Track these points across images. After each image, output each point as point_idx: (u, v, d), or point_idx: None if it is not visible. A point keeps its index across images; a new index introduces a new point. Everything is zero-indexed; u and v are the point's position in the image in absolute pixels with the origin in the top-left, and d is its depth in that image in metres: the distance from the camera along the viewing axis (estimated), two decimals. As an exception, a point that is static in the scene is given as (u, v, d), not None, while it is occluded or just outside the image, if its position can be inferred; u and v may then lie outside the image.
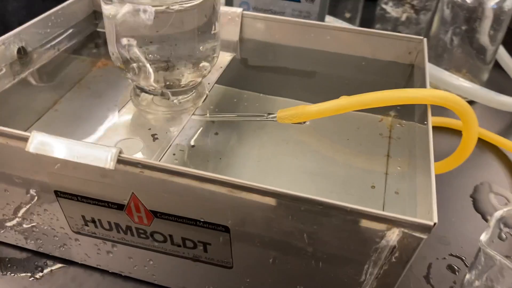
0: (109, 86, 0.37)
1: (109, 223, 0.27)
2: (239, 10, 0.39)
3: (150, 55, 0.29)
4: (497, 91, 0.50)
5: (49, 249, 0.31)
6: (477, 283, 0.26)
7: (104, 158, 0.22)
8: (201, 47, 0.30)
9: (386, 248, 0.22)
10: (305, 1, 0.47)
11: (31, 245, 0.32)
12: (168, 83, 0.30)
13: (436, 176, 0.40)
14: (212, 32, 0.30)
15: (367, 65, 0.38)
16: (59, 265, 0.32)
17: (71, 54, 0.38)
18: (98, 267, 0.31)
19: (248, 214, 0.23)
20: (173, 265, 0.28)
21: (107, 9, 0.28)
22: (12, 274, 0.31)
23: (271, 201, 0.22)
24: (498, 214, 0.25)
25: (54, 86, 0.36)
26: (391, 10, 0.59)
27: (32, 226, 0.30)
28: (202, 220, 0.24)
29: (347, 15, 0.63)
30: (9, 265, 0.32)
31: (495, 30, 0.49)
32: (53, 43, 0.37)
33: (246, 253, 0.26)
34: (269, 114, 0.31)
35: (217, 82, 0.36)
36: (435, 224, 0.20)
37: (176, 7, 0.28)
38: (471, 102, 0.47)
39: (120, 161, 0.23)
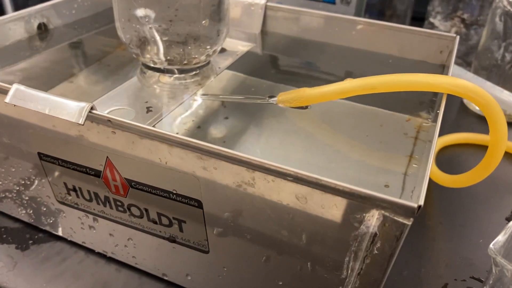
0: (128, 65, 0.36)
1: (89, 192, 0.26)
2: (262, 1, 0.38)
3: (154, 30, 0.29)
4: None
5: (39, 222, 0.31)
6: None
7: (75, 113, 0.21)
8: (204, 25, 0.28)
9: (367, 236, 0.19)
10: (341, 3, 0.45)
11: (24, 217, 0.31)
12: (169, 57, 0.29)
13: (473, 194, 0.36)
14: (218, 13, 0.29)
15: (393, 64, 0.35)
16: (48, 239, 0.31)
17: (96, 35, 0.39)
18: (84, 244, 0.30)
19: (222, 188, 0.21)
20: (152, 246, 0.26)
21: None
22: (2, 244, 0.31)
23: (241, 170, 0.20)
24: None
25: (75, 62, 0.37)
26: (439, 24, 0.55)
27: (22, 194, 0.29)
28: (174, 192, 0.23)
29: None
30: (3, 235, 0.31)
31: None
32: (77, 25, 0.38)
33: (221, 238, 0.23)
34: (270, 97, 0.29)
35: (234, 69, 0.35)
36: (420, 207, 0.17)
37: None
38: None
39: (91, 118, 0.22)
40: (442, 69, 0.34)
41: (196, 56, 0.30)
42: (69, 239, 0.31)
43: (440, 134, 0.42)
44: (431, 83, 0.25)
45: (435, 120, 0.29)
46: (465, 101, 0.50)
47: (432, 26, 0.56)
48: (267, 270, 0.23)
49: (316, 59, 0.38)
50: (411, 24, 0.59)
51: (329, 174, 0.18)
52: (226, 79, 0.37)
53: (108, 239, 0.28)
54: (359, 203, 0.18)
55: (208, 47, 0.30)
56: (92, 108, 0.22)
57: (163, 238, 0.26)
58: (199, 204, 0.22)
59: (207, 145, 0.20)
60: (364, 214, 0.18)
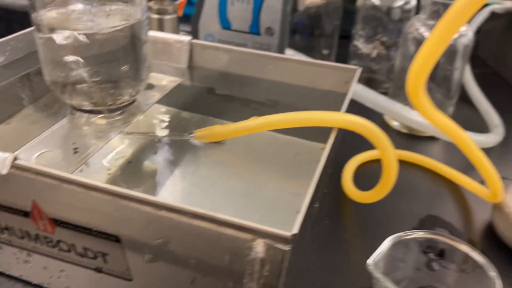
0: (64, 106, 0.38)
1: (20, 230, 0.28)
2: (187, 39, 0.41)
3: (80, 75, 0.31)
4: (463, 125, 0.50)
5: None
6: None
7: (-1, 163, 0.24)
8: (124, 69, 0.31)
9: (257, 261, 0.22)
10: (265, 34, 0.49)
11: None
12: (93, 100, 0.32)
13: (382, 207, 0.40)
14: (137, 58, 0.32)
15: (306, 94, 0.39)
16: (-14, 274, 0.33)
17: (32, 75, 0.41)
18: (21, 277, 0.32)
19: (134, 224, 0.24)
20: (83, 277, 0.29)
21: (40, 37, 0.31)
22: None
23: (150, 209, 0.23)
24: (391, 238, 0.25)
25: (12, 104, 0.38)
26: (363, 46, 0.60)
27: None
28: (95, 229, 0.25)
29: (325, 52, 0.65)
30: None
31: (450, 65, 0.49)
32: (12, 65, 0.40)
33: (141, 266, 0.26)
34: (190, 133, 0.32)
35: (165, 103, 0.38)
36: (295, 235, 0.20)
37: (104, 31, 0.30)
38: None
39: (15, 166, 0.24)
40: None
41: (119, 97, 0.32)
42: (6, 273, 0.32)
43: (363, 150, 0.47)
44: (325, 119, 0.28)
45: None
46: (385, 117, 0.54)
47: (356, 48, 0.61)
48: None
49: (240, 91, 0.42)
50: (340, 42, 0.64)
51: (248, 202, 0.21)
52: (157, 114, 0.40)
53: (43, 271, 0.30)
54: (247, 234, 0.21)
55: (129, 90, 0.33)
56: (15, 158, 0.24)
57: (91, 269, 0.28)
58: (117, 239, 0.25)
59: (114, 189, 0.23)
60: (252, 243, 0.21)
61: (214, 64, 0.42)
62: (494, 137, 0.49)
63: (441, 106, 0.52)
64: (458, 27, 0.24)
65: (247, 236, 0.21)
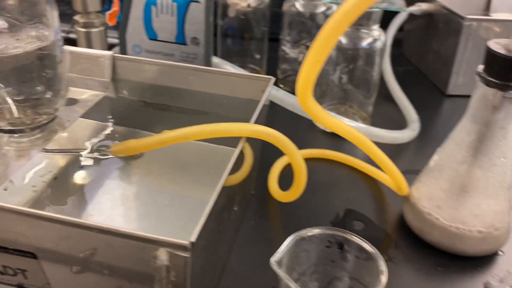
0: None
1: None
2: (109, 53, 0.42)
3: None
4: (384, 121, 0.54)
5: None
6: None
7: None
8: (40, 90, 0.32)
9: (163, 268, 0.24)
10: (191, 44, 0.51)
11: None
12: (11, 121, 0.32)
13: (305, 204, 0.43)
14: (53, 76, 0.33)
15: (227, 103, 0.41)
16: None
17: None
18: None
19: (47, 241, 0.25)
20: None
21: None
22: None
23: (57, 227, 0.24)
24: (293, 236, 0.28)
25: None
26: (290, 51, 0.63)
27: None
28: (11, 247, 0.26)
29: (257, 56, 0.67)
30: None
31: (368, 67, 0.53)
32: None
33: (62, 278, 0.27)
34: (107, 148, 0.33)
35: (90, 117, 0.39)
36: (193, 243, 0.22)
37: (16, 52, 0.31)
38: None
39: None
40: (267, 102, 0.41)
41: (37, 116, 0.33)
42: None
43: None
44: (232, 130, 0.30)
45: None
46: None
47: (284, 53, 0.64)
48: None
49: (165, 102, 0.43)
50: (269, 46, 0.66)
51: (166, 214, 0.23)
52: (82, 129, 0.41)
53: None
54: (149, 244, 0.23)
55: (47, 108, 0.33)
56: None
57: (13, 285, 0.29)
58: (33, 255, 0.26)
59: (24, 210, 0.24)
60: (156, 252, 0.23)
61: (138, 76, 0.43)
62: (409, 132, 0.53)
63: (361, 105, 0.56)
64: (337, 35, 0.26)
65: (151, 246, 0.23)
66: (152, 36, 0.51)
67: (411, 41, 0.78)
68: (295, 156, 0.33)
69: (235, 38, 0.65)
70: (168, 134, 0.30)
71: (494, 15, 0.77)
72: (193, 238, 0.23)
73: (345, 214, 0.43)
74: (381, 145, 0.51)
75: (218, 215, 0.29)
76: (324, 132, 0.56)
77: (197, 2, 0.48)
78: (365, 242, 0.27)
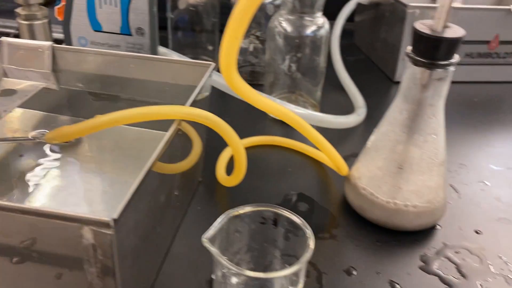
0: None
1: None
2: (48, 44, 0.41)
3: None
4: (334, 107, 0.56)
5: None
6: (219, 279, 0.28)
7: None
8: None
9: (89, 247, 0.24)
10: (136, 35, 0.50)
11: None
12: None
13: (252, 189, 0.43)
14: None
15: (169, 90, 0.41)
16: None
17: None
18: None
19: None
20: None
21: None
22: None
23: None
24: (224, 214, 0.28)
25: None
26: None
27: None
28: None
29: (210, 47, 0.68)
30: None
31: (315, 55, 0.54)
32: None
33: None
34: (41, 135, 0.33)
35: (30, 107, 0.38)
36: (116, 220, 0.23)
37: None
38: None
39: None
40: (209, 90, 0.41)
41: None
42: None
43: (244, 137, 0.50)
44: (167, 113, 0.31)
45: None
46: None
47: (236, 44, 0.64)
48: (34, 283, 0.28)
49: (107, 91, 0.43)
50: (219, 36, 0.67)
51: (105, 198, 0.23)
52: (19, 118, 0.40)
53: None
54: (73, 223, 0.23)
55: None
56: None
57: None
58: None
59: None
60: (81, 231, 0.23)
61: (80, 67, 0.43)
62: (355, 117, 0.54)
63: (310, 93, 0.57)
64: (252, 10, 0.26)
65: (76, 225, 0.23)
66: (97, 28, 0.51)
67: (362, 31, 0.80)
68: (232, 138, 0.33)
69: (186, 31, 0.65)
70: (101, 119, 0.30)
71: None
72: (115, 215, 0.23)
73: (291, 197, 0.44)
74: (330, 130, 0.53)
75: (150, 197, 0.29)
76: (275, 120, 0.57)
77: (140, -8, 0.48)
78: (294, 215, 0.28)
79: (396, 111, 0.38)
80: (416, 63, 0.35)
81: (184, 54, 0.66)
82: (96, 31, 0.51)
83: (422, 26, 0.35)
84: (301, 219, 0.28)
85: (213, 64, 0.40)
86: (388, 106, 0.39)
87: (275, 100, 0.53)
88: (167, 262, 0.36)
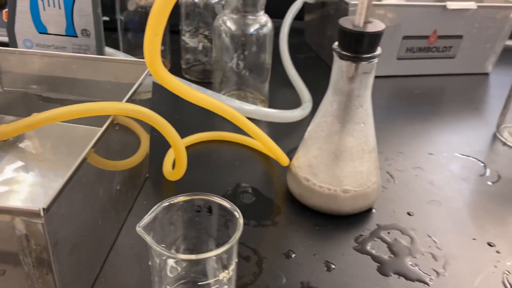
0: None
1: None
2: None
3: None
4: (282, 103, 0.58)
5: None
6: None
7: None
8: None
9: (23, 237, 0.25)
10: (82, 36, 0.51)
11: None
12: None
13: (201, 183, 0.45)
14: None
15: (112, 89, 0.42)
16: None
17: None
18: None
19: None
20: None
21: None
22: None
23: None
24: (158, 204, 0.30)
25: None
26: (189, 41, 0.65)
27: None
28: None
29: (161, 47, 0.69)
30: None
31: (261, 52, 0.56)
32: None
33: None
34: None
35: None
36: (45, 209, 0.24)
37: None
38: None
39: None
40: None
41: None
42: None
43: (192, 133, 0.51)
44: (100, 109, 0.32)
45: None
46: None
47: (185, 43, 0.66)
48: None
49: (52, 92, 0.44)
50: (172, 37, 0.68)
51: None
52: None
53: None
54: (5, 215, 0.24)
55: None
56: None
57: None
58: None
59: None
60: (13, 222, 0.24)
61: (24, 68, 0.43)
62: (300, 112, 0.56)
63: (258, 89, 0.59)
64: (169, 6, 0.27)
65: (7, 216, 0.24)
66: (42, 30, 0.51)
67: (311, 29, 0.82)
68: (169, 133, 0.35)
69: (136, 32, 0.66)
70: (37, 116, 0.31)
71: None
72: (44, 204, 0.24)
73: (237, 189, 0.45)
74: (278, 124, 0.55)
75: (87, 190, 0.30)
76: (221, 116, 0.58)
77: (83, -6, 0.49)
78: (225, 200, 0.30)
79: (327, 103, 0.40)
80: (342, 57, 0.37)
81: (135, 55, 0.67)
82: (41, 33, 0.51)
83: (346, 22, 0.37)
84: (231, 203, 0.30)
85: (153, 63, 0.41)
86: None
87: (218, 95, 0.54)
88: (112, 254, 0.37)
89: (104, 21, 0.51)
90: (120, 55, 0.54)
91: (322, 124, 0.41)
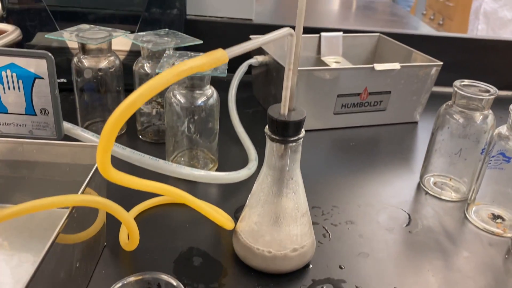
0: None
1: None
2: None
3: None
4: (231, 161, 0.63)
5: None
6: None
7: None
8: None
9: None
10: (41, 114, 0.56)
11: None
12: None
13: (151, 247, 0.49)
14: None
15: (70, 170, 0.47)
16: None
17: None
18: None
19: None
20: None
21: None
22: None
23: None
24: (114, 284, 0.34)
25: None
26: (144, 107, 0.70)
27: None
28: None
29: (117, 110, 0.73)
30: None
31: (209, 118, 0.62)
32: None
33: None
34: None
35: None
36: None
37: None
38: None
39: None
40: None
41: None
42: None
43: (145, 194, 0.56)
44: (61, 202, 0.36)
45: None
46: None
47: (140, 108, 0.71)
48: None
49: (11, 174, 0.48)
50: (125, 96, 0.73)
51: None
52: None
53: None
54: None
55: None
56: None
57: None
58: None
59: None
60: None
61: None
62: (246, 171, 0.62)
63: (208, 149, 0.65)
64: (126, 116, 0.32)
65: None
66: (3, 110, 0.55)
67: (258, 84, 0.89)
68: (122, 216, 0.40)
69: (92, 95, 0.70)
70: (2, 213, 0.35)
71: (324, 59, 0.92)
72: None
73: (188, 252, 0.50)
74: (226, 184, 0.61)
75: (49, 277, 0.35)
76: (176, 178, 0.63)
77: (41, 78, 0.54)
78: (172, 278, 0.35)
79: (263, 176, 0.46)
80: (272, 139, 0.44)
81: (91, 117, 0.71)
82: (1, 112, 0.55)
83: (274, 110, 0.43)
84: (177, 281, 0.35)
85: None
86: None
87: (169, 164, 0.59)
88: (73, 326, 0.41)
89: (61, 83, 0.56)
90: (78, 130, 0.58)
91: (260, 194, 0.47)
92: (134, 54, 0.86)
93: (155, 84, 0.30)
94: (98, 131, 0.72)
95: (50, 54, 0.53)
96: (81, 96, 0.70)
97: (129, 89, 0.74)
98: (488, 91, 0.58)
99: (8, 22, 0.83)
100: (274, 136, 0.43)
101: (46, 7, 0.83)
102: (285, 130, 0.43)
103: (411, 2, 3.27)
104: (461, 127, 0.59)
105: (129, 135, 0.74)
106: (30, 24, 0.85)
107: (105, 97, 0.71)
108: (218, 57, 0.32)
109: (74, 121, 0.66)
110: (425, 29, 1.38)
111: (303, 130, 0.44)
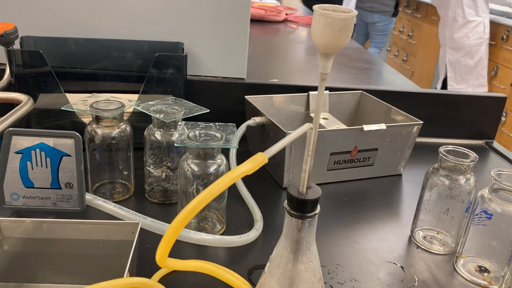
0: None
1: None
2: (-6, 219, 0.49)
3: None
4: (236, 222, 0.68)
5: None
6: None
7: None
8: None
9: None
10: (65, 188, 0.59)
11: None
12: None
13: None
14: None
15: (104, 246, 0.51)
16: None
17: None
18: None
19: None
20: None
21: None
22: None
23: None
24: None
25: None
26: (153, 171, 0.74)
27: None
28: None
29: (125, 172, 0.77)
30: None
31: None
32: None
33: None
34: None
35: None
36: None
37: None
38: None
39: None
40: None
41: None
42: None
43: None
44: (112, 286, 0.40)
45: None
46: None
47: (149, 172, 0.75)
48: None
49: (47, 250, 0.51)
50: (136, 157, 0.77)
51: None
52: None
53: None
54: None
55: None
56: None
57: None
58: None
59: None
60: None
61: (23, 234, 0.50)
62: (255, 232, 0.67)
63: (216, 209, 0.69)
64: (190, 217, 0.38)
65: None
66: (29, 185, 0.59)
67: (253, 140, 0.95)
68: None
69: (103, 159, 0.74)
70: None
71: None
72: None
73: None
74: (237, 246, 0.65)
75: None
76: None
77: (68, 156, 0.58)
78: None
79: (281, 247, 0.51)
80: (291, 215, 0.49)
81: (102, 178, 0.75)
82: (28, 187, 0.59)
83: (293, 188, 0.49)
84: None
85: (139, 223, 0.50)
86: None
87: (187, 231, 0.64)
88: None
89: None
90: (99, 201, 0.62)
91: (280, 263, 0.51)
92: (136, 114, 0.91)
93: (213, 190, 0.35)
94: (107, 193, 0.76)
95: (77, 134, 0.57)
96: (92, 161, 0.74)
97: (136, 148, 0.78)
98: (469, 157, 0.66)
99: (14, 86, 0.86)
100: (293, 212, 0.49)
101: (52, 70, 0.87)
102: (304, 207, 0.48)
103: (381, 45, 3.49)
104: (448, 189, 0.66)
105: (137, 196, 0.78)
106: (35, 86, 0.88)
107: (115, 161, 0.75)
108: (261, 161, 0.38)
109: (87, 186, 0.69)
110: (398, 77, 1.49)
111: (318, 206, 0.50)
